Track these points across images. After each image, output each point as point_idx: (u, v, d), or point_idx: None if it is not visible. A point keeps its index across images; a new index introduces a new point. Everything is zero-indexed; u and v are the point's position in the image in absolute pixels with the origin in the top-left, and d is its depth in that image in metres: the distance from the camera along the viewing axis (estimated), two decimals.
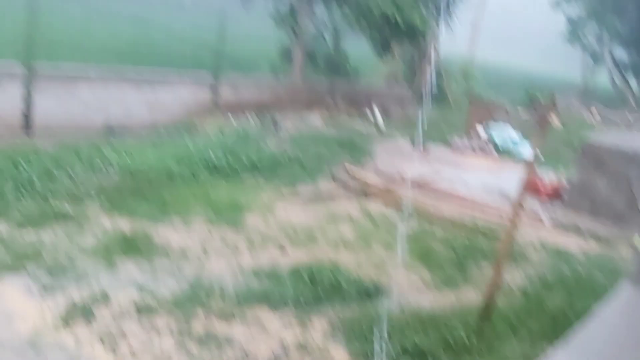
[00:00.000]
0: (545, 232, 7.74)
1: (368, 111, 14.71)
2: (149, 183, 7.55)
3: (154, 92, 10.96)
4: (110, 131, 10.05)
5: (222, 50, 12.01)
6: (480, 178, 10.21)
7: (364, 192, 8.53)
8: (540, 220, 8.16)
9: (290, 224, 6.91)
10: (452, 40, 19.76)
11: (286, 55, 16.85)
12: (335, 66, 17.59)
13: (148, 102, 10.92)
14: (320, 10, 16.85)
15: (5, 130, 8.92)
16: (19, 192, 6.50)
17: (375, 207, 8.02)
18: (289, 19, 15.49)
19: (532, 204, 8.53)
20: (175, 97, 11.39)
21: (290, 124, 11.85)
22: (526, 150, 12.82)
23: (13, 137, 8.85)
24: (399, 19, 13.28)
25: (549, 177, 9.88)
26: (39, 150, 8.02)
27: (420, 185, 8.80)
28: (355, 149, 10.79)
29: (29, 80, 9.10)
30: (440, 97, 18.88)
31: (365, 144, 11.43)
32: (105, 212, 6.47)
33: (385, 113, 15.13)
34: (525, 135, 14.17)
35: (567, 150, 13.08)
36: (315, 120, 12.74)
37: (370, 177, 9.11)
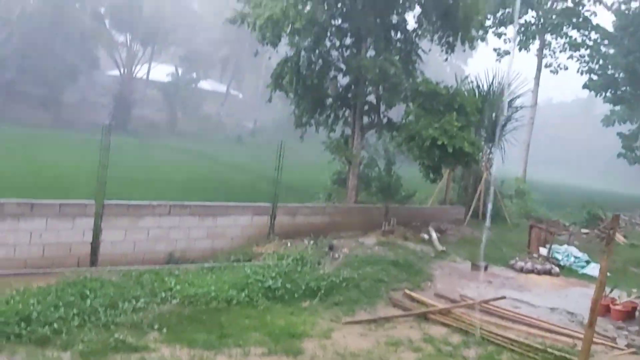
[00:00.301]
0: (621, 355, 7.16)
1: (424, 233, 14.63)
2: (208, 310, 7.61)
3: (215, 221, 11.38)
4: (172, 259, 10.38)
5: (279, 179, 12.52)
6: (547, 299, 9.75)
7: (425, 316, 8.26)
8: (614, 343, 7.59)
9: (350, 351, 6.69)
10: (505, 160, 19.90)
11: (340, 181, 17.35)
12: (389, 190, 17.88)
13: (209, 231, 11.31)
14: (372, 137, 17.55)
15: (74, 262, 9.38)
16: (84, 323, 6.65)
17: (437, 332, 7.71)
18: (343, 147, 16.15)
19: (604, 325, 8.01)
20: (235, 225, 11.76)
21: (346, 247, 11.88)
22: (592, 269, 12.29)
23: (81, 267, 9.25)
24: (447, 145, 13.58)
25: (620, 296, 9.32)
26: (104, 280, 8.30)
27: (484, 308, 8.46)
28: (413, 271, 10.62)
29: (99, 216, 9.68)
30: (496, 217, 18.67)
31: (423, 266, 11.25)
32: (166, 341, 6.50)
33: (441, 234, 15.00)
34: (589, 253, 13.66)
35: (636, 268, 12.44)
36: (371, 243, 12.73)
37: (430, 300, 8.85)
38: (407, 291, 9.28)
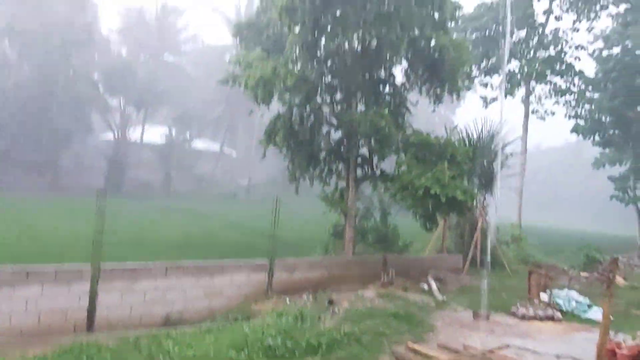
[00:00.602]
0: None
1: (423, 283, 14.54)
2: None
3: (212, 280, 11.30)
4: (170, 321, 10.24)
5: (276, 234, 12.51)
6: (551, 346, 9.61)
7: None
8: None
9: None
10: (500, 207, 20.01)
11: (337, 234, 17.36)
12: (386, 240, 17.92)
13: (206, 291, 11.21)
14: (366, 188, 17.69)
15: (71, 328, 9.24)
16: None
17: None
18: (338, 200, 16.26)
19: None
20: (232, 283, 11.67)
21: (346, 301, 11.75)
22: (594, 314, 12.18)
23: (77, 333, 9.11)
24: (440, 194, 13.68)
25: (624, 340, 9.20)
26: (101, 346, 8.15)
27: (488, 358, 8.32)
28: (415, 323, 10.48)
29: (95, 279, 9.61)
30: (494, 264, 18.62)
31: (423, 316, 11.11)
32: None
33: (440, 283, 14.90)
34: (590, 297, 13.58)
35: (639, 311, 12.34)
36: (371, 295, 12.61)
37: (434, 352, 8.71)
38: (410, 344, 9.13)
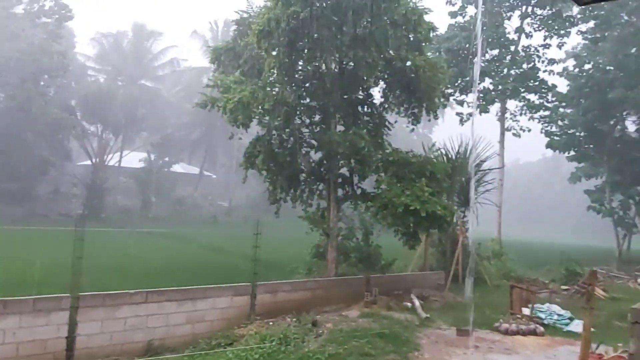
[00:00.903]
0: None
1: (407, 301, 14.56)
2: None
3: (194, 305, 11.15)
4: (152, 348, 10.07)
5: (258, 256, 12.45)
6: None
7: None
8: None
9: None
10: (479, 223, 20.22)
11: (320, 254, 17.34)
12: (369, 260, 17.94)
13: (188, 316, 11.06)
14: (347, 208, 17.74)
15: (49, 357, 9.02)
16: None
17: None
18: (319, 220, 16.27)
19: None
20: (214, 308, 11.53)
21: (330, 322, 11.70)
22: (576, 326, 12.32)
23: None
24: (421, 210, 13.79)
25: (607, 352, 9.31)
26: None
27: None
28: (400, 342, 10.46)
29: (74, 308, 9.43)
30: (477, 279, 18.72)
31: (409, 335, 11.10)
32: None
33: (424, 301, 14.93)
34: (572, 310, 13.73)
35: (620, 322, 12.48)
36: (355, 315, 12.58)
37: None
38: None
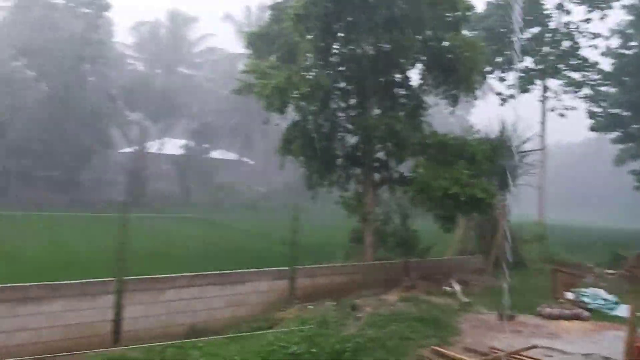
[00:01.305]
0: None
1: (446, 286, 14.43)
2: None
3: (235, 289, 11.35)
4: (195, 331, 10.29)
5: (296, 241, 12.53)
6: (579, 345, 9.47)
7: None
8: None
9: None
10: (521, 205, 19.81)
11: (357, 239, 17.31)
12: (407, 244, 17.80)
13: (229, 300, 11.26)
14: (385, 192, 17.63)
15: (97, 341, 9.33)
16: None
17: None
18: (357, 205, 16.23)
19: None
20: (255, 291, 11.71)
21: (368, 306, 11.71)
22: (622, 311, 11.98)
23: (102, 345, 9.20)
24: (460, 194, 13.58)
25: None
26: (127, 357, 8.24)
27: (515, 359, 8.23)
28: (440, 326, 10.39)
29: (120, 293, 9.71)
30: (518, 263, 18.39)
31: (449, 320, 11.02)
32: None
33: (463, 286, 14.77)
34: (618, 294, 13.36)
35: None
36: (394, 299, 12.55)
37: (460, 355, 8.63)
38: (436, 347, 9.07)
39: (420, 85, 16.84)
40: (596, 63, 31.24)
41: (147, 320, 10.04)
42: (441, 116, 30.51)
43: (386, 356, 8.68)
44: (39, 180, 39.68)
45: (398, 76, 16.76)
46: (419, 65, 16.80)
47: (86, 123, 42.18)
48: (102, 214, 28.34)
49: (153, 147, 53.94)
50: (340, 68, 16.37)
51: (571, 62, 30.82)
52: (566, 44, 30.98)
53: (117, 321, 9.68)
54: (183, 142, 53.25)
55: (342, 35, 14.95)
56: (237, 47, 47.95)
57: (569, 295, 13.08)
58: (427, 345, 9.24)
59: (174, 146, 53.43)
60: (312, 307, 11.68)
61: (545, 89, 31.91)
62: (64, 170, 41.01)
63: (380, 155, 16.50)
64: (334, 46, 15.79)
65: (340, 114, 16.41)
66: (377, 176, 16.55)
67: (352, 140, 16.91)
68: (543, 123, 31.07)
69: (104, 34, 45.62)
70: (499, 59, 30.24)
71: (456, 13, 15.27)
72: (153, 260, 14.68)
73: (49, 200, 36.71)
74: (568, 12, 31.03)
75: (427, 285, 14.09)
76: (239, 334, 9.78)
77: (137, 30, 57.68)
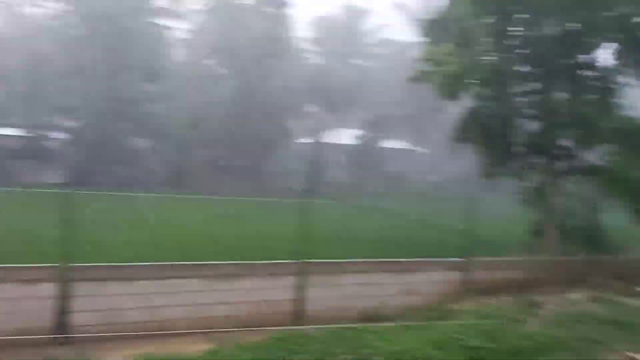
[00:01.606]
0: None
1: None
2: None
3: (408, 277, 11.46)
4: (368, 316, 10.60)
5: (471, 233, 12.22)
6: None
7: None
8: None
9: None
10: None
11: (537, 233, 16.30)
12: (594, 240, 16.31)
13: (402, 288, 11.40)
14: (569, 184, 16.33)
15: (279, 317, 10.10)
16: None
17: None
18: (537, 197, 15.28)
19: None
20: (428, 281, 11.71)
21: (551, 304, 11.01)
22: None
23: (283, 323, 9.91)
24: None
25: None
26: (309, 337, 8.78)
27: None
28: (634, 331, 9.40)
29: (302, 275, 10.38)
30: None
31: None
32: None
33: None
34: None
35: None
36: (579, 298, 11.63)
37: None
38: (630, 354, 8.24)
39: (615, 65, 15.18)
40: None
41: (324, 302, 10.61)
42: (637, 99, 27.21)
43: (571, 358, 8.13)
44: (226, 168, 43.80)
45: (585, 56, 15.32)
46: (609, 45, 15.16)
47: (269, 115, 45.43)
48: (283, 200, 30.28)
49: (329, 137, 56.19)
50: (518, 51, 15.45)
51: None
52: None
53: (299, 301, 10.38)
54: (357, 132, 54.69)
55: (523, 17, 14.09)
56: (408, 35, 47.74)
57: None
58: (619, 351, 8.45)
59: (347, 136, 55.15)
60: (488, 300, 11.33)
61: None
62: (249, 159, 44.72)
63: (564, 142, 15.27)
64: (512, 28, 14.95)
65: (519, 99, 15.52)
66: (560, 165, 15.37)
67: (532, 126, 15.89)
68: None
69: (285, 30, 48.57)
70: None
71: None
72: (330, 245, 15.37)
73: (234, 187, 40.34)
74: None
75: (619, 285, 12.79)
76: (414, 323, 9.86)
77: (315, 25, 60.42)
